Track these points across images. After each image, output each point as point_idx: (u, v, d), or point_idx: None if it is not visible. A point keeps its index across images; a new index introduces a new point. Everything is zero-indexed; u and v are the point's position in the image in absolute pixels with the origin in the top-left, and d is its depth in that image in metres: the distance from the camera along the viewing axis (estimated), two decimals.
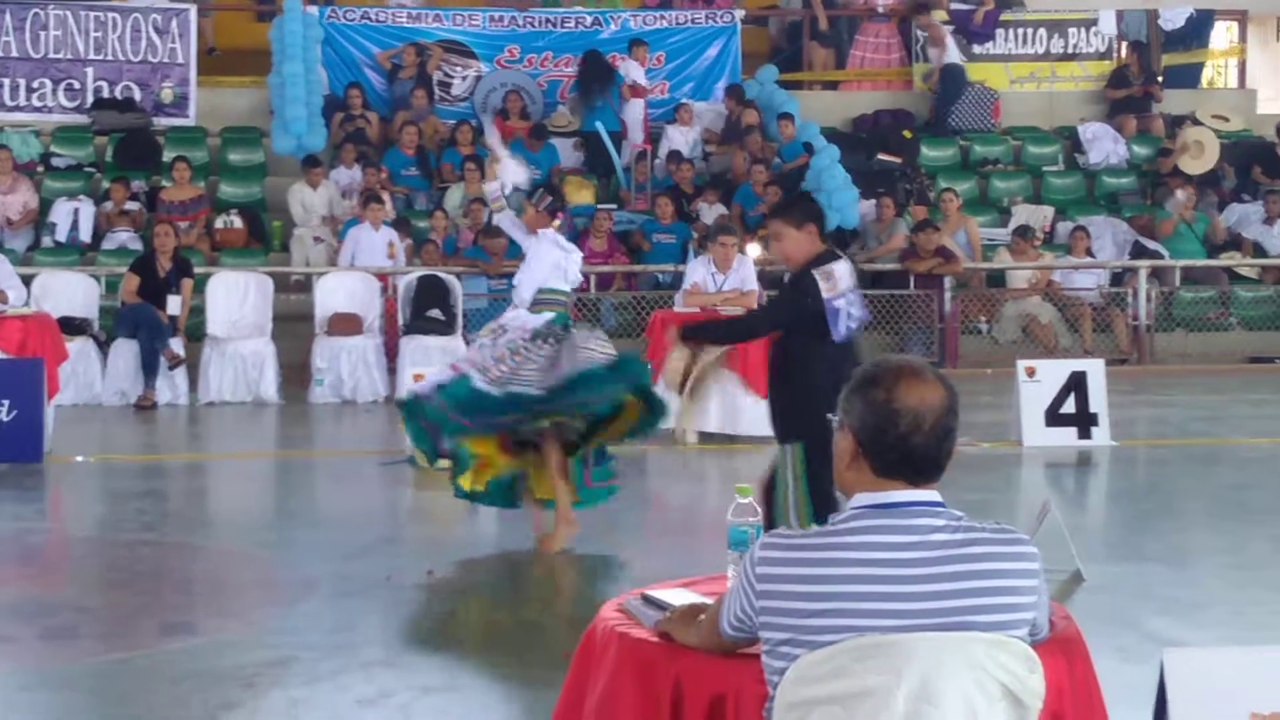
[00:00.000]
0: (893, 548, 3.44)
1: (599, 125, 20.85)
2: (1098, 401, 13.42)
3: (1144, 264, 19.69)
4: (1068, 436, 13.34)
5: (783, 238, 7.48)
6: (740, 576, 3.59)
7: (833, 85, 23.63)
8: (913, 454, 3.50)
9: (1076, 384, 13.42)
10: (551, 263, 9.45)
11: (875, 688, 3.35)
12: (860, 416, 3.52)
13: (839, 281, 7.35)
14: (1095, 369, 13.65)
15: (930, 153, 22.17)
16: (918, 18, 22.84)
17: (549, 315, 9.38)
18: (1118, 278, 20.04)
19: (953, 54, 22.41)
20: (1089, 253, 19.97)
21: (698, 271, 14.32)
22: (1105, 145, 22.52)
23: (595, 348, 9.29)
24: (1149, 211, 21.27)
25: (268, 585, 9.28)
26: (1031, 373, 13.52)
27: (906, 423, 3.48)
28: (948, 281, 18.91)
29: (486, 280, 18.26)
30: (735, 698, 3.75)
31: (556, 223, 9.71)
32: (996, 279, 19.90)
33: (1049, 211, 21.34)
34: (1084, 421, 13.38)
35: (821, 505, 7.00)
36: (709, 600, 3.97)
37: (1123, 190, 22.08)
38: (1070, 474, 12.83)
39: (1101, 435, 13.36)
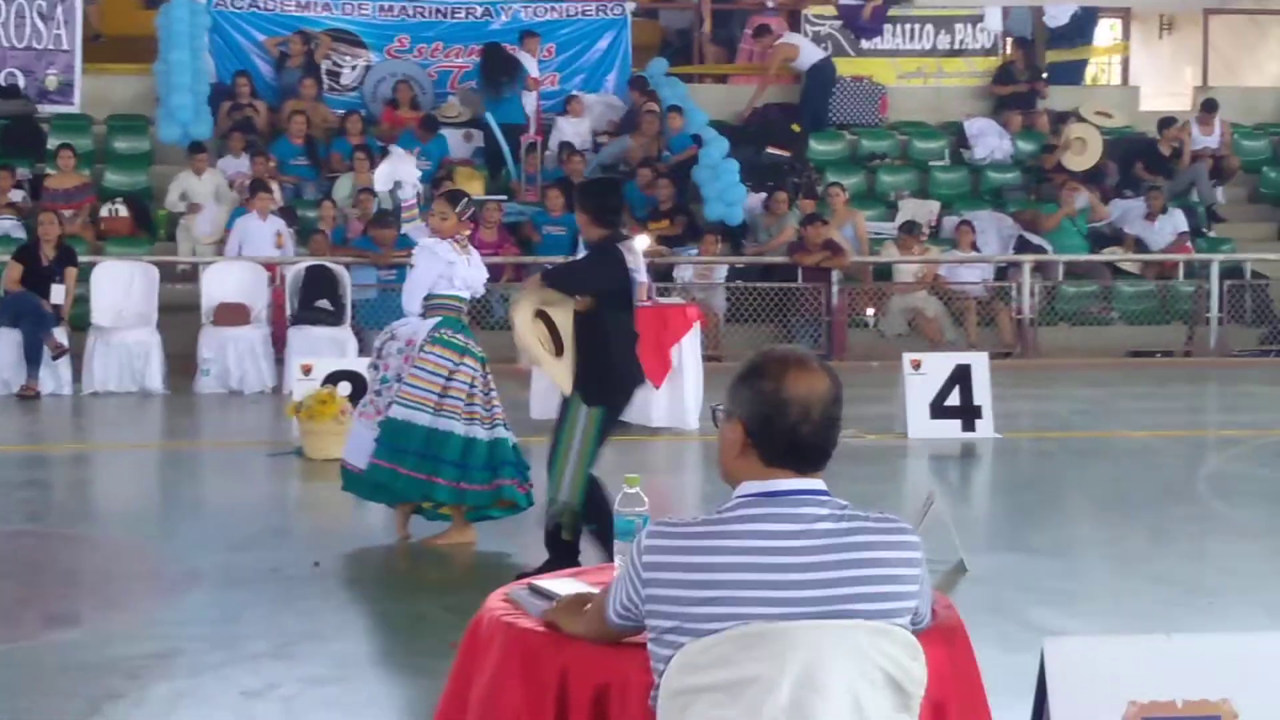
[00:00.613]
0: (778, 536, 3.47)
1: (489, 117, 20.79)
2: (982, 394, 13.56)
3: (1028, 258, 19.89)
4: (952, 429, 13.47)
5: (580, 222, 8.28)
6: (627, 565, 3.61)
7: (722, 79, 23.70)
8: (801, 443, 3.53)
9: (961, 377, 13.56)
10: (436, 272, 9.33)
11: (759, 676, 3.38)
12: (749, 406, 3.55)
13: (639, 255, 8.16)
14: (980, 362, 13.80)
15: (818, 147, 22.28)
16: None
17: (435, 320, 9.32)
18: (1002, 272, 20.24)
19: (811, 54, 22.42)
20: (974, 247, 20.15)
21: None
22: (991, 141, 22.71)
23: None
24: (1033, 206, 21.50)
25: (153, 576, 9.21)
26: (917, 365, 13.64)
27: (795, 412, 3.51)
28: (835, 275, 19.03)
29: (375, 271, 18.19)
30: (621, 687, 3.77)
31: (466, 231, 9.53)
32: (883, 272, 20.04)
33: (935, 206, 21.51)
34: (968, 414, 13.51)
35: (590, 478, 7.88)
36: (595, 590, 3.99)
37: (1007, 185, 22.29)
38: (954, 466, 12.96)
39: (985, 428, 13.50)
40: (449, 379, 9.15)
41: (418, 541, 9.41)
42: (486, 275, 9.66)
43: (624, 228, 8.41)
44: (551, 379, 8.36)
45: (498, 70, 21.16)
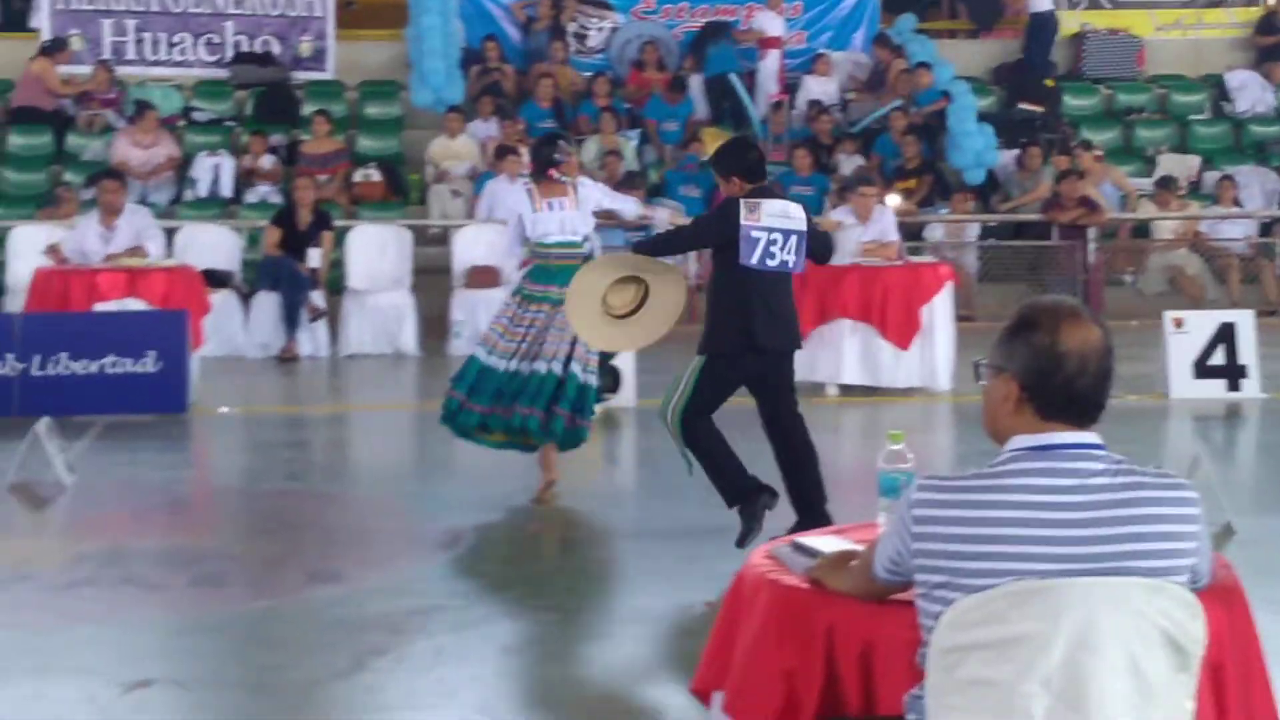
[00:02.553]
0: (1053, 491, 3.38)
1: (731, 75, 20.70)
2: (1247, 353, 13.20)
3: None
4: (1216, 389, 13.14)
5: (719, 183, 8.32)
6: (897, 519, 3.54)
7: (973, 34, 23.34)
8: (1078, 396, 3.45)
9: (1225, 335, 13.21)
10: (511, 231, 9.45)
11: (1032, 634, 3.29)
12: (1023, 360, 3.46)
13: (763, 213, 7.92)
14: (1245, 320, 13.42)
15: (1073, 101, 21.85)
16: None
17: (524, 271, 9.47)
18: (1266, 228, 19.67)
19: (1042, 1, 21.91)
20: (1236, 202, 19.61)
21: None
22: (1253, 93, 22.08)
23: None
24: None
25: (412, 534, 9.33)
26: (1179, 324, 13.31)
27: (1072, 365, 3.43)
28: (1091, 232, 18.64)
29: (623, 232, 18.23)
30: (887, 644, 3.71)
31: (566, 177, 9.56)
32: (1141, 230, 19.60)
33: (1195, 161, 20.98)
34: (1233, 373, 13.16)
35: (693, 414, 8.02)
36: (860, 547, 3.92)
37: (1271, 139, 21.64)
38: (1219, 427, 12.62)
39: (1251, 387, 13.15)
40: (511, 322, 9.33)
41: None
42: (585, 216, 9.60)
43: (757, 184, 8.08)
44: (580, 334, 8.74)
45: (703, 33, 21.17)
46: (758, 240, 7.87)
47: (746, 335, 8.01)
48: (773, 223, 7.90)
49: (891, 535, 3.57)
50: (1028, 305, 3.55)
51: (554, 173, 9.38)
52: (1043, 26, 21.86)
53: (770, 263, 7.89)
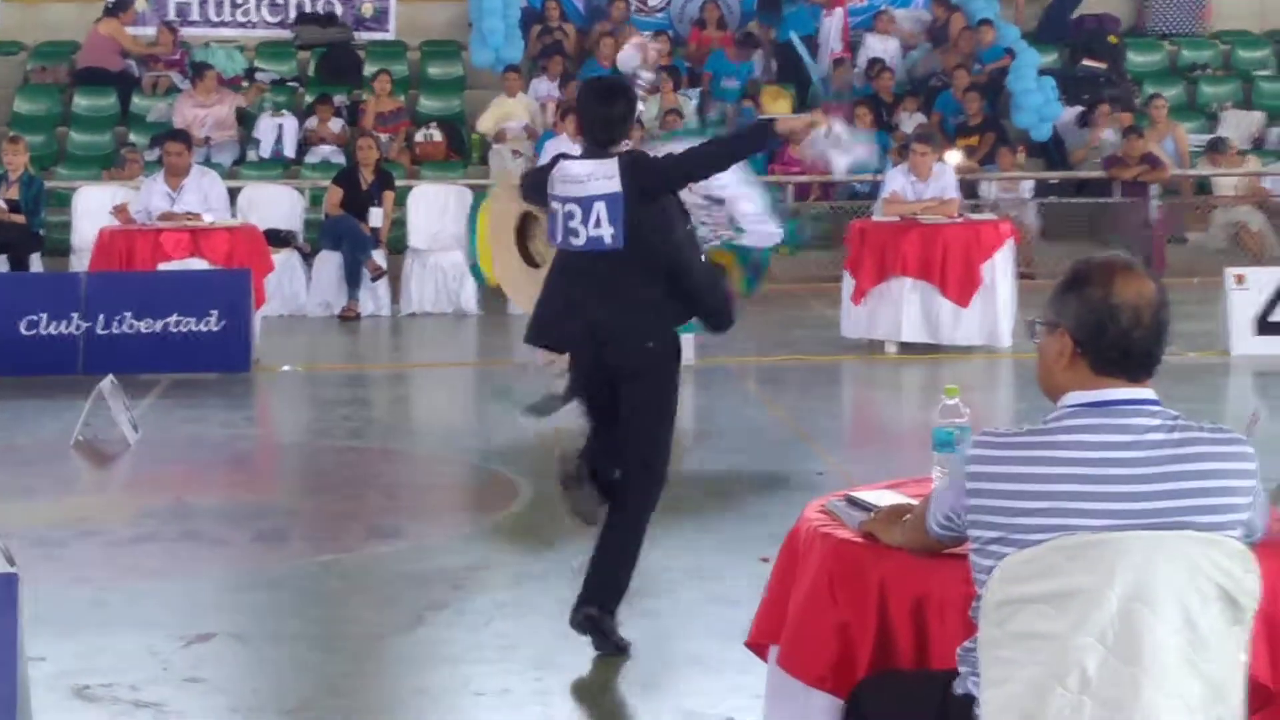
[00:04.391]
0: (1107, 447, 3.39)
1: (792, 34, 20.64)
2: None
3: None
4: (1278, 345, 13.03)
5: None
6: (952, 474, 3.55)
7: None
8: (1133, 350, 3.45)
9: None
10: None
11: (1087, 587, 3.29)
12: (1077, 315, 3.46)
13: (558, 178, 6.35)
14: None
15: (1136, 58, 21.68)
16: None
17: None
18: None
19: None
20: None
21: (896, 180, 14.10)
22: None
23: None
24: None
25: (471, 490, 9.41)
26: (1240, 280, 13.23)
27: (1127, 318, 3.43)
28: (1153, 189, 18.52)
29: None
30: (940, 598, 3.73)
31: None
32: (1204, 186, 19.46)
33: (1260, 117, 20.80)
34: None
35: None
36: (914, 502, 3.94)
37: None
38: None
39: None
40: None
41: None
42: None
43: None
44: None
45: None
46: (555, 214, 6.33)
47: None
48: (565, 191, 6.26)
49: (946, 490, 3.58)
50: (1081, 261, 3.55)
51: None
52: None
53: (575, 241, 6.23)
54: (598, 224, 6.18)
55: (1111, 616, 3.29)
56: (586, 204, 6.18)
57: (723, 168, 6.73)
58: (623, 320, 6.16)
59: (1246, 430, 8.73)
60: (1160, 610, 3.28)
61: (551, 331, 6.47)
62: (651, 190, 6.21)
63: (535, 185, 6.53)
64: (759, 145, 7.13)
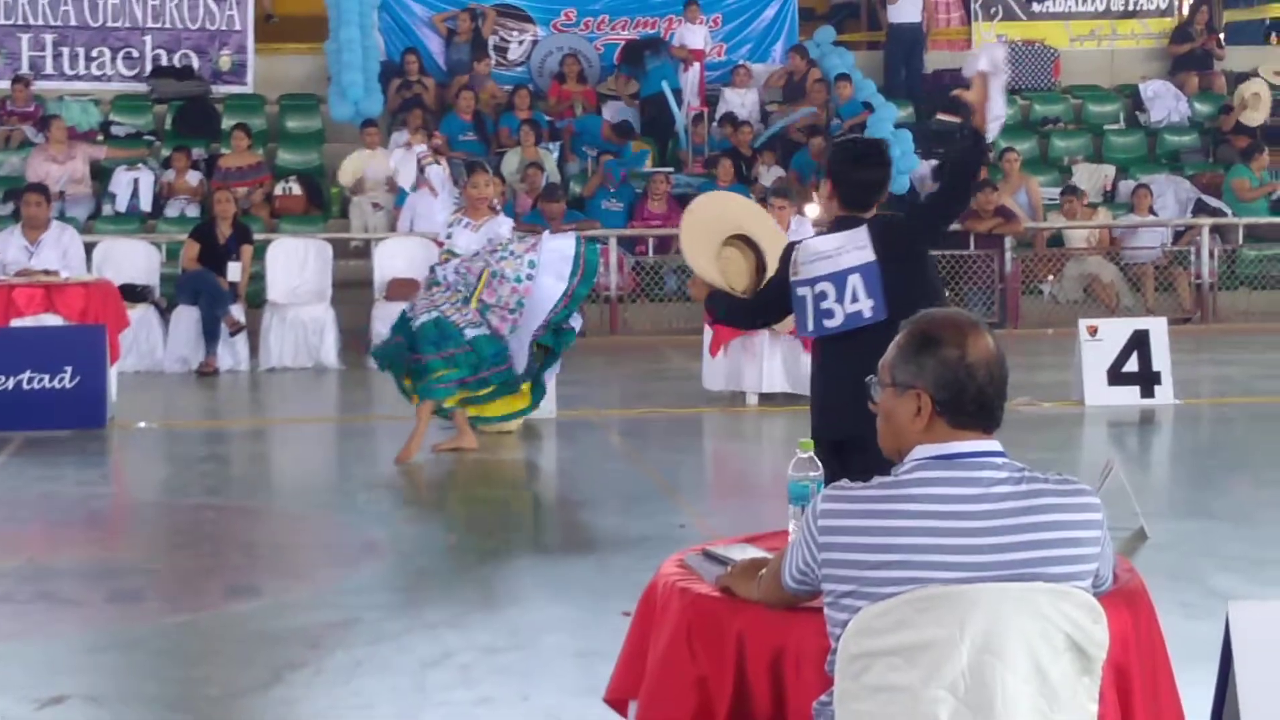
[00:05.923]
0: (956, 500, 3.43)
1: (664, 84, 20.76)
2: (1161, 360, 13.34)
3: (1206, 221, 19.52)
4: (1130, 395, 13.26)
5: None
6: (802, 529, 3.58)
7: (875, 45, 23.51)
8: (989, 403, 3.53)
9: (1139, 342, 13.35)
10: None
11: (938, 639, 3.33)
12: (936, 375, 3.52)
13: (801, 260, 6.12)
14: (1158, 327, 13.57)
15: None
16: None
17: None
18: (1180, 236, 19.88)
19: (905, 11, 22.09)
20: (1151, 211, 19.82)
21: None
22: (1167, 103, 22.32)
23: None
24: (1211, 169, 21.08)
25: (330, 547, 9.33)
26: (1094, 332, 13.44)
27: (982, 375, 3.51)
28: (1008, 242, 18.80)
29: None
30: (797, 651, 3.75)
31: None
32: (1058, 239, 19.79)
33: (1110, 170, 21.22)
34: (1147, 380, 13.30)
35: None
36: (770, 555, 3.96)
37: (1185, 148, 21.91)
38: (1133, 433, 12.76)
39: (1165, 394, 13.28)
40: None
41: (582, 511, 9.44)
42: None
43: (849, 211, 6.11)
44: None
45: (639, 47, 21.24)
46: (804, 300, 6.05)
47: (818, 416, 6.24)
48: (814, 270, 5.99)
49: (799, 545, 3.60)
50: (925, 321, 3.59)
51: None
52: (900, 39, 22.06)
53: (829, 323, 5.99)
54: (854, 299, 5.90)
55: (963, 668, 3.32)
56: (839, 279, 5.91)
57: (968, 195, 6.46)
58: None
59: (1101, 478, 8.93)
60: (1011, 661, 3.32)
61: (840, 423, 5.84)
62: (907, 251, 5.95)
63: (778, 286, 6.11)
64: (981, 153, 6.51)
